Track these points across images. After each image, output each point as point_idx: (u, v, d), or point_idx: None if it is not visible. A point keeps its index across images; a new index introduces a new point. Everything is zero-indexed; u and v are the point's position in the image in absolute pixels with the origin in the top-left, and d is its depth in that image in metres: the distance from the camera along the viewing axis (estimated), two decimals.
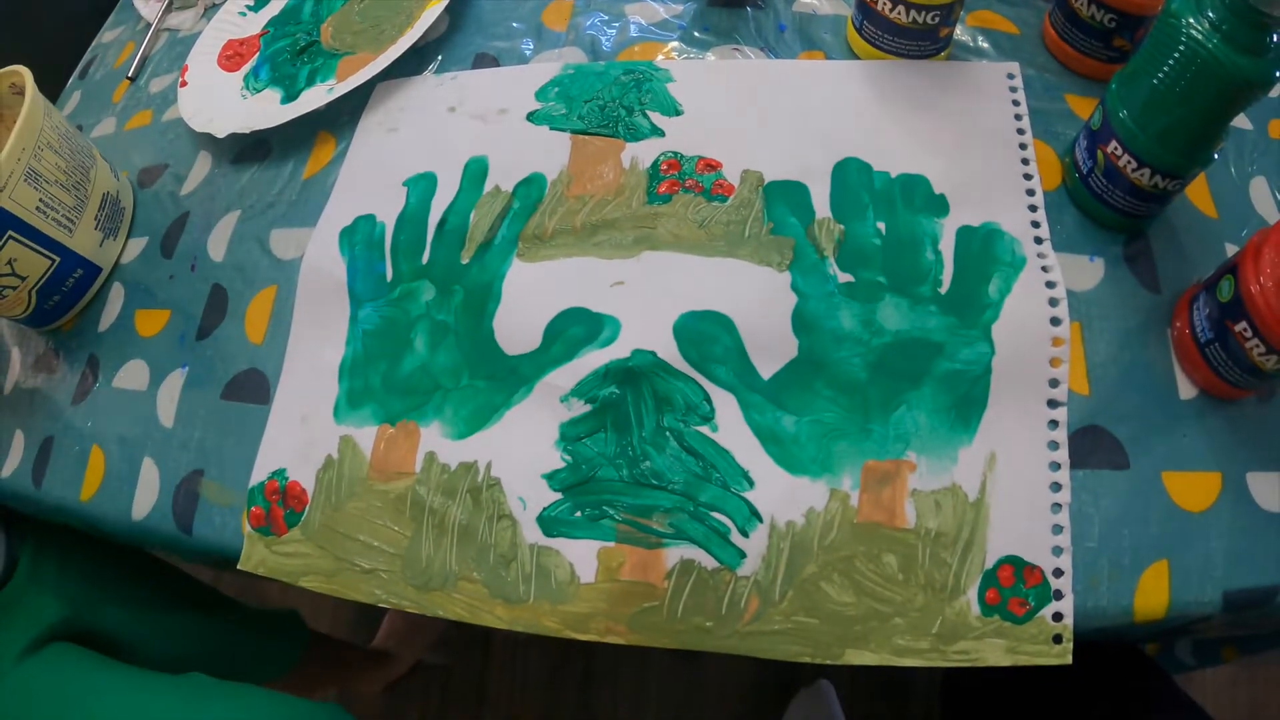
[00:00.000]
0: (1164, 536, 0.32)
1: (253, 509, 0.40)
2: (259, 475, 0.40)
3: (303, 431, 0.40)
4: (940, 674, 0.60)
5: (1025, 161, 0.39)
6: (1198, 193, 0.38)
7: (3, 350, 0.53)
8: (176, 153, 0.53)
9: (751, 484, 0.35)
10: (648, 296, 0.38)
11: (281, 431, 0.40)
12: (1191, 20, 0.31)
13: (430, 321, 0.40)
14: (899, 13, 0.41)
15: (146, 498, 0.43)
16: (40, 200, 0.46)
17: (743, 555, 0.34)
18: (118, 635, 0.50)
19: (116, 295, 0.50)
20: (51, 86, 0.66)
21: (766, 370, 0.37)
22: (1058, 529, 0.32)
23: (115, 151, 0.56)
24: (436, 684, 1.00)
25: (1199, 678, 0.86)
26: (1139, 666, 0.45)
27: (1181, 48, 0.31)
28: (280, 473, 0.40)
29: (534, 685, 0.97)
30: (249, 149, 0.50)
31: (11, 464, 0.48)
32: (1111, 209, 0.37)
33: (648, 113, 0.44)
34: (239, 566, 0.39)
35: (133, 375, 0.46)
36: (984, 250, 0.37)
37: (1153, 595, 0.31)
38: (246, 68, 0.54)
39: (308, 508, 0.39)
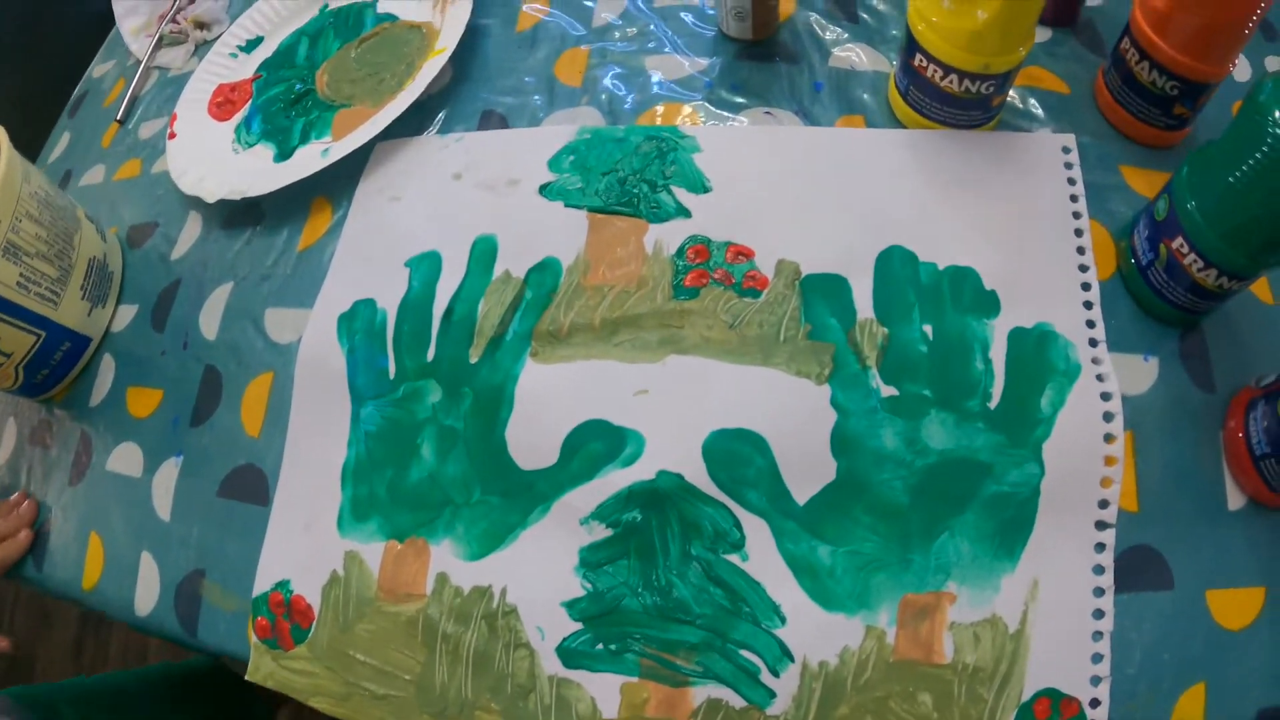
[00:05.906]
0: (1204, 657, 0.31)
1: (258, 619, 0.38)
2: (262, 585, 0.38)
3: (305, 540, 0.38)
4: None
5: (1081, 250, 0.37)
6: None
7: None
8: (166, 210, 0.50)
9: (783, 620, 0.33)
10: (674, 408, 0.35)
11: (283, 539, 0.38)
12: None
13: (438, 426, 0.38)
14: (951, 81, 0.37)
15: (148, 594, 0.41)
16: (21, 275, 0.43)
17: (773, 695, 0.32)
18: None
19: (107, 367, 0.47)
20: (47, 118, 0.62)
21: (802, 494, 0.34)
22: (1098, 658, 0.31)
23: (104, 204, 0.53)
24: None
25: None
26: None
27: (1268, 145, 0.28)
28: (284, 584, 0.38)
29: None
30: (240, 212, 0.47)
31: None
32: (1169, 304, 0.34)
33: (672, 189, 0.40)
34: (247, 678, 0.38)
35: (126, 459, 0.44)
36: (1037, 357, 0.34)
37: (1188, 718, 0.30)
38: (238, 117, 0.50)
39: (314, 624, 0.37)
